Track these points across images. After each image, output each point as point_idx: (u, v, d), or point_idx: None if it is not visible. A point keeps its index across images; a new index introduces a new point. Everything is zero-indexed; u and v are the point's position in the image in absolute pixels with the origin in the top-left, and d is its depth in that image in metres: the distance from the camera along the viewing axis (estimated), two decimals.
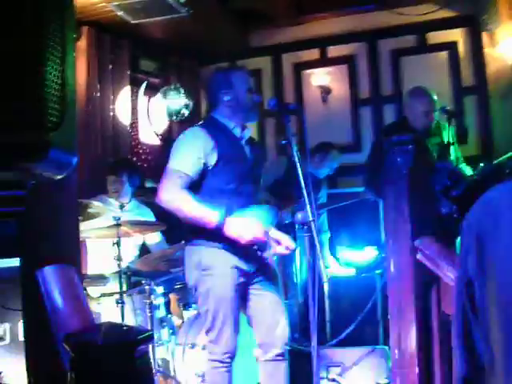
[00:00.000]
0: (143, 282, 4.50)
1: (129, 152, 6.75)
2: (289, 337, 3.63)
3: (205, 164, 3.43)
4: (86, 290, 4.29)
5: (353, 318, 4.98)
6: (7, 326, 3.49)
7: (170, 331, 4.52)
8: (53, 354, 2.68)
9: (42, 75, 1.51)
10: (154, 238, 5.39)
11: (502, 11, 6.34)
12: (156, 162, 7.15)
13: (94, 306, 4.37)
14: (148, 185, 5.60)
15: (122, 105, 6.64)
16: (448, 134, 4.73)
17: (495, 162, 4.52)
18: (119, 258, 4.36)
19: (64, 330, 2.55)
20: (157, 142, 7.35)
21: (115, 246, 4.40)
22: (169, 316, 4.66)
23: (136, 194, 5.56)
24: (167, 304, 4.69)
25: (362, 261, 5.89)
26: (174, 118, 7.21)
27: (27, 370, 2.86)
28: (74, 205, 3.14)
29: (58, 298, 2.78)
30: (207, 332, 3.50)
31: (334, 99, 7.40)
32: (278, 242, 3.56)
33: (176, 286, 4.83)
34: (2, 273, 3.40)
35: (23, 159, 1.52)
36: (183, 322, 4.59)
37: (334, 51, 7.53)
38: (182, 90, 7.16)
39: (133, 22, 6.29)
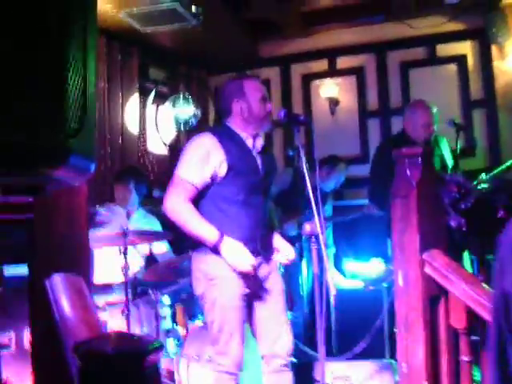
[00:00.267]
0: (149, 291, 4.49)
1: (136, 161, 6.76)
2: (293, 348, 3.61)
3: (214, 175, 3.40)
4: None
5: (359, 331, 4.96)
6: (13, 334, 3.48)
7: (176, 342, 4.50)
8: (60, 362, 2.67)
9: (64, 80, 1.51)
10: (161, 248, 5.38)
11: (511, 24, 6.35)
12: (163, 171, 7.15)
13: (99, 316, 4.37)
14: (155, 194, 5.60)
15: (130, 113, 6.65)
16: (456, 146, 4.73)
17: (494, 172, 4.53)
18: (125, 268, 4.35)
19: (72, 338, 2.54)
20: (164, 151, 7.36)
21: (121, 255, 4.39)
22: (175, 327, 4.65)
23: (143, 203, 5.56)
24: (173, 314, 4.68)
25: (369, 273, 5.86)
26: (182, 127, 7.21)
27: (33, 378, 2.85)
28: (84, 213, 3.13)
29: (66, 307, 2.77)
30: (213, 343, 3.46)
31: (342, 110, 7.41)
32: (277, 251, 3.58)
33: (182, 297, 4.82)
34: (9, 281, 3.39)
35: (43, 164, 1.52)
36: (188, 333, 4.57)
37: (342, 62, 7.55)
38: (191, 99, 7.17)
39: (143, 30, 6.32)
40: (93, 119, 1.68)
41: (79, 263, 3.05)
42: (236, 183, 3.43)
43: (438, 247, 3.07)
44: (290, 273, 5.60)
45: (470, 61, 6.93)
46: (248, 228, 3.44)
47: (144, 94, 7.05)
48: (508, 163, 4.48)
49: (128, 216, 5.17)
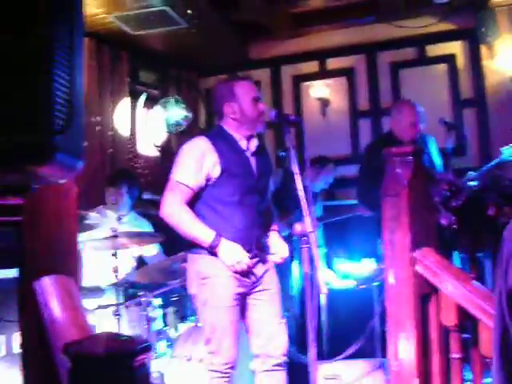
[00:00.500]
0: (140, 294, 4.48)
1: (127, 163, 6.74)
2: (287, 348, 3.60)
3: (207, 177, 3.43)
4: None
5: (351, 331, 4.95)
6: (3, 337, 3.46)
7: (167, 344, 4.49)
8: (50, 365, 2.66)
9: (49, 77, 1.51)
10: (152, 250, 5.36)
11: (501, 24, 6.36)
12: (154, 173, 7.14)
13: (89, 318, 4.35)
14: (146, 197, 5.59)
15: (120, 116, 6.64)
16: (447, 145, 4.74)
17: (482, 170, 4.54)
18: (116, 270, 4.34)
19: (62, 339, 2.53)
20: (155, 153, 7.35)
21: (112, 257, 4.38)
22: (165, 328, 4.63)
23: (134, 205, 5.54)
24: (164, 316, 4.67)
25: (360, 273, 5.86)
26: (173, 129, 7.20)
27: (24, 381, 2.83)
28: (73, 215, 3.12)
29: (55, 309, 2.76)
30: (206, 342, 3.46)
31: (333, 111, 7.41)
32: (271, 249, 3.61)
33: (173, 299, 4.80)
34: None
35: (29, 161, 1.51)
36: (180, 335, 4.55)
37: (333, 63, 7.56)
38: (181, 102, 7.16)
39: (133, 33, 6.31)
40: (80, 117, 1.68)
41: (68, 265, 3.04)
42: (230, 185, 3.45)
43: (429, 245, 3.08)
44: (281, 273, 5.60)
45: (460, 60, 6.95)
46: (243, 229, 3.46)
47: (134, 97, 7.05)
48: (495, 161, 4.50)
49: (119, 219, 5.15)
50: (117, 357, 2.18)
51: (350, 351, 4.58)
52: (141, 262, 5.37)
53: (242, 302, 3.50)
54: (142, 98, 7.08)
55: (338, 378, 4.35)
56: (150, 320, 4.37)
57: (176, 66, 7.61)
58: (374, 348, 4.97)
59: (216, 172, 3.43)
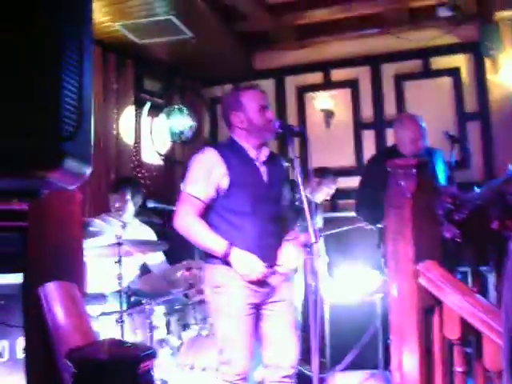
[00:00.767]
0: (143, 301, 4.48)
1: (131, 171, 6.76)
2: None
3: (217, 188, 3.44)
4: None
5: (353, 342, 4.96)
6: (6, 343, 3.47)
7: (170, 352, 4.49)
8: (54, 370, 2.66)
9: (59, 82, 1.51)
10: (156, 258, 5.36)
11: (505, 38, 6.39)
12: (158, 182, 7.15)
13: (93, 325, 4.35)
14: (149, 205, 5.61)
15: (125, 124, 6.65)
16: (451, 158, 4.74)
17: (490, 185, 4.53)
18: (120, 277, 4.34)
19: (66, 345, 2.53)
20: (159, 162, 7.36)
21: (116, 264, 4.38)
22: (168, 336, 4.63)
23: (138, 213, 5.55)
24: (167, 324, 4.67)
25: (363, 284, 5.86)
26: (177, 138, 7.22)
27: None
28: (78, 221, 3.13)
29: (59, 315, 2.76)
30: (219, 352, 3.46)
31: (336, 122, 7.42)
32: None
33: (176, 307, 4.81)
34: (2, 289, 3.38)
35: (37, 167, 1.52)
36: (182, 343, 4.55)
37: (337, 75, 7.58)
38: (186, 111, 7.18)
39: (138, 42, 6.34)
40: (88, 123, 1.69)
41: (73, 271, 3.05)
42: (240, 195, 3.45)
43: (433, 258, 3.07)
44: None
45: (464, 74, 6.96)
46: (256, 238, 3.44)
47: (139, 106, 7.06)
48: (504, 177, 4.48)
49: (123, 226, 5.16)
50: (121, 363, 2.18)
51: (351, 361, 4.59)
52: (144, 269, 5.38)
53: (255, 312, 3.48)
54: (147, 106, 7.10)
55: None
56: (153, 328, 4.37)
57: (181, 75, 7.63)
58: (376, 360, 4.97)
59: (225, 183, 3.43)
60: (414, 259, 3.00)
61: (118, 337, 4.11)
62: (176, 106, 7.27)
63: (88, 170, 1.72)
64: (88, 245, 4.45)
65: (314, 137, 7.03)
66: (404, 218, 3.05)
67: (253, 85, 3.73)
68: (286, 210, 3.70)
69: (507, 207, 3.24)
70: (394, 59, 7.27)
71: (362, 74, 7.45)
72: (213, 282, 3.48)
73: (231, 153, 3.53)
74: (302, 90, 7.71)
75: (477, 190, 4.41)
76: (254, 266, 3.36)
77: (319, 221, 6.31)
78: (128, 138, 6.72)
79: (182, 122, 7.18)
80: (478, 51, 6.74)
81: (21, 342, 3.34)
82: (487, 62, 6.72)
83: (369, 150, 7.26)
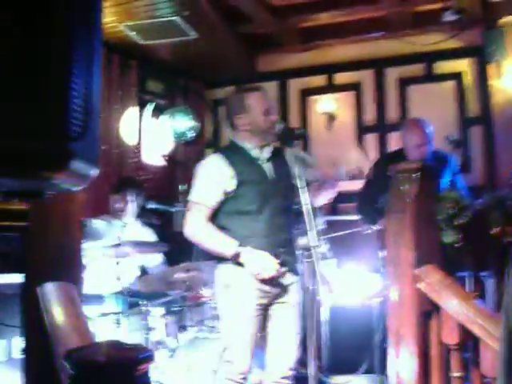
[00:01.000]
0: (141, 303, 4.47)
1: (133, 172, 6.75)
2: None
3: (226, 191, 3.47)
4: None
5: (351, 346, 4.95)
6: (3, 342, 3.47)
7: (167, 354, 4.48)
8: (51, 371, 2.66)
9: (68, 83, 1.50)
10: (155, 260, 5.36)
11: (509, 43, 6.38)
12: (160, 183, 7.15)
13: (90, 326, 4.34)
14: (150, 206, 5.59)
15: (128, 125, 6.65)
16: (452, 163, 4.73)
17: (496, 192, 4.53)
18: (118, 279, 4.34)
19: (63, 346, 2.53)
20: (161, 162, 7.35)
21: (115, 266, 4.38)
22: (165, 338, 4.62)
23: (139, 215, 5.55)
24: (164, 326, 4.66)
25: (361, 287, 5.84)
26: (180, 139, 7.21)
27: None
28: (78, 222, 3.14)
29: (58, 315, 2.77)
30: (223, 350, 3.51)
31: (339, 125, 7.40)
32: None
33: (174, 309, 4.80)
34: (1, 289, 3.38)
35: (44, 168, 1.51)
36: (179, 345, 4.54)
37: (340, 78, 7.55)
38: (189, 112, 7.17)
39: (142, 42, 6.34)
40: (96, 124, 1.68)
41: (72, 272, 3.06)
42: (247, 194, 3.47)
43: (432, 263, 3.07)
44: None
45: (467, 78, 6.94)
46: (267, 235, 3.46)
47: (142, 106, 7.06)
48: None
49: (123, 227, 5.16)
50: (118, 365, 2.18)
51: (348, 365, 4.57)
52: (143, 271, 5.37)
53: (263, 312, 3.50)
54: (150, 107, 7.10)
55: None
56: (150, 329, 4.37)
57: (184, 76, 7.63)
58: (372, 364, 4.96)
59: (233, 185, 3.46)
60: (413, 264, 3.00)
61: (114, 338, 4.11)
62: (179, 107, 7.25)
63: (95, 172, 1.71)
64: (88, 245, 4.45)
65: (316, 139, 7.05)
66: (404, 223, 3.05)
67: (257, 87, 3.73)
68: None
69: (507, 213, 3.24)
70: (398, 63, 7.25)
71: (366, 77, 7.43)
72: (223, 281, 3.51)
73: (235, 154, 3.56)
74: (305, 93, 7.69)
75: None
76: (267, 263, 3.37)
77: (321, 224, 6.29)
78: (130, 138, 6.71)
79: (184, 123, 7.17)
80: (481, 56, 6.72)
81: (18, 342, 3.33)
82: (490, 67, 6.70)
83: (371, 153, 7.24)
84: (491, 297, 3.64)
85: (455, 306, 2.85)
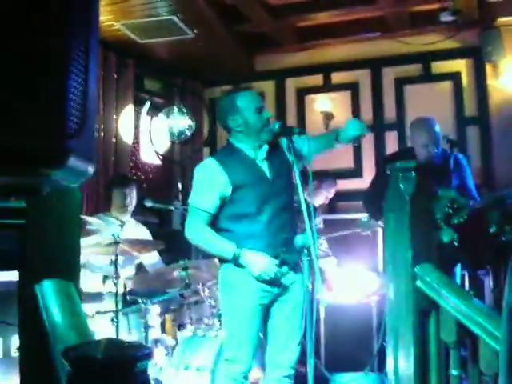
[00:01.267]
0: (139, 301, 4.47)
1: (129, 171, 6.75)
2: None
3: (222, 196, 3.47)
4: None
5: (349, 343, 4.95)
6: (0, 340, 3.46)
7: (165, 352, 4.48)
8: (49, 368, 2.65)
9: (65, 80, 1.51)
10: (152, 258, 5.35)
11: (506, 43, 6.40)
12: (156, 181, 7.15)
13: (89, 324, 4.33)
14: (148, 204, 5.59)
15: (124, 123, 6.65)
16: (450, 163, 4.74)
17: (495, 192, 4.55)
18: (116, 277, 4.34)
19: (62, 344, 2.52)
20: (158, 161, 7.36)
21: (113, 264, 4.38)
22: (163, 336, 4.62)
23: (134, 213, 5.55)
24: (162, 324, 4.66)
25: (359, 286, 5.85)
26: (176, 138, 7.21)
27: None
28: (76, 219, 3.12)
29: (56, 313, 2.75)
30: (225, 348, 3.56)
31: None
32: None
33: (171, 307, 4.80)
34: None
35: (41, 164, 1.51)
36: (177, 343, 4.54)
37: (337, 77, 7.57)
38: (185, 111, 7.17)
39: (139, 41, 6.34)
40: (92, 121, 1.68)
41: (70, 270, 3.04)
42: (246, 197, 3.47)
43: (430, 261, 3.07)
44: None
45: (465, 78, 6.96)
46: (267, 235, 3.46)
47: (139, 105, 7.06)
48: None
49: (122, 225, 5.16)
50: (117, 363, 2.17)
51: (346, 363, 4.58)
52: (140, 269, 5.37)
53: (264, 312, 3.51)
54: (146, 105, 7.10)
55: None
56: (148, 327, 4.37)
57: (181, 75, 7.63)
58: (372, 362, 4.97)
59: (229, 190, 3.46)
60: (411, 262, 3.00)
61: (113, 336, 4.11)
62: (176, 106, 7.25)
63: (91, 168, 1.72)
64: (85, 243, 4.45)
65: None
66: (402, 222, 3.05)
67: (246, 86, 3.75)
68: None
69: (505, 212, 3.24)
70: (395, 63, 7.26)
71: (363, 77, 7.45)
72: (224, 281, 3.53)
73: (231, 158, 3.56)
74: (302, 92, 7.71)
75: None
76: (266, 264, 3.37)
77: (319, 223, 6.30)
78: (127, 137, 6.71)
79: (181, 121, 7.17)
80: (478, 56, 6.74)
81: (16, 340, 3.33)
82: (488, 68, 6.73)
83: (368, 152, 7.26)
84: (489, 295, 3.64)
85: (453, 304, 2.85)
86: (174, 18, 5.90)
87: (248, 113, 3.53)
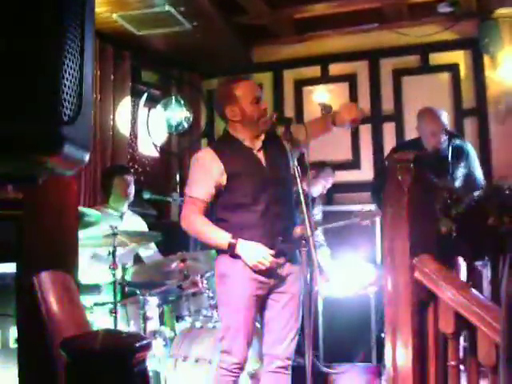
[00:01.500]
0: (137, 292, 4.47)
1: (127, 163, 6.74)
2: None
3: (218, 185, 3.48)
4: None
5: (346, 336, 4.96)
6: None
7: (163, 343, 4.48)
8: (47, 360, 2.65)
9: (60, 67, 1.49)
10: (149, 250, 5.35)
11: (504, 35, 6.39)
12: (154, 173, 7.15)
13: (87, 316, 4.33)
14: (145, 196, 5.59)
15: (121, 115, 6.63)
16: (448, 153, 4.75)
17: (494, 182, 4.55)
18: (114, 268, 4.33)
19: (60, 335, 2.52)
20: (155, 153, 7.35)
21: (110, 255, 4.38)
22: (162, 328, 4.62)
23: (132, 204, 5.55)
24: (160, 316, 4.66)
25: (357, 277, 5.86)
26: (174, 130, 7.19)
27: (19, 376, 2.82)
28: (73, 211, 3.12)
29: (53, 304, 2.75)
30: (220, 340, 3.54)
31: None
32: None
33: (170, 298, 4.80)
34: None
35: (36, 151, 1.50)
36: (176, 335, 4.55)
37: (335, 69, 7.55)
38: (183, 103, 7.15)
39: (136, 33, 6.32)
40: (88, 108, 1.67)
41: (67, 261, 3.04)
42: (242, 187, 3.47)
43: (429, 252, 3.07)
44: None
45: (463, 70, 6.95)
46: (263, 225, 3.45)
47: (136, 97, 7.05)
48: None
49: (121, 217, 5.17)
50: (115, 353, 2.17)
51: (344, 355, 4.59)
52: (138, 260, 5.37)
53: (260, 303, 3.51)
54: (144, 97, 7.08)
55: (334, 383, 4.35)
56: (146, 319, 4.37)
57: (178, 66, 7.61)
58: (369, 353, 4.98)
59: (224, 179, 3.46)
60: (409, 253, 3.00)
61: (111, 327, 4.11)
62: (173, 98, 7.23)
63: (86, 156, 1.70)
64: (83, 235, 4.44)
65: None
66: (400, 213, 3.05)
67: (244, 76, 3.73)
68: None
69: (504, 203, 3.24)
70: (393, 54, 7.25)
71: (360, 68, 7.44)
72: (220, 272, 3.52)
73: (228, 147, 3.56)
74: (300, 84, 7.69)
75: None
76: (262, 254, 3.37)
77: (318, 213, 6.31)
78: (124, 129, 6.70)
79: (178, 113, 7.14)
80: (476, 48, 6.73)
81: (14, 332, 3.32)
82: (486, 59, 6.72)
83: (365, 144, 7.26)
84: (487, 286, 3.65)
85: (452, 295, 2.85)
86: (172, 10, 5.87)
87: (245, 103, 3.52)
